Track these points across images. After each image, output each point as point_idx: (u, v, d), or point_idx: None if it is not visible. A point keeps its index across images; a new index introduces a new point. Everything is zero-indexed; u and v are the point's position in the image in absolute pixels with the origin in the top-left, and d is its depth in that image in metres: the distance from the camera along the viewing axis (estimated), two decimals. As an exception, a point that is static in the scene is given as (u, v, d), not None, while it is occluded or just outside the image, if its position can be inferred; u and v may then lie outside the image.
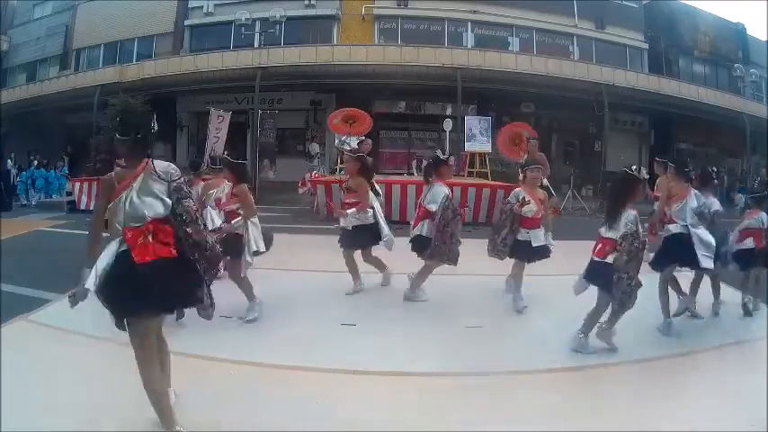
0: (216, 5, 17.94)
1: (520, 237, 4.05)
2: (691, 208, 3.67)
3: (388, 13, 17.65)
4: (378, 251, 4.70)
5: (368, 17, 17.51)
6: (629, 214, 3.10)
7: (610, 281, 3.05)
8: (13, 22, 21.21)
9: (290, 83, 15.87)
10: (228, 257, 3.52)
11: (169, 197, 2.23)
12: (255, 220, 3.69)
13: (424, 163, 5.22)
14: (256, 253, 3.66)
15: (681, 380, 2.96)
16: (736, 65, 18.96)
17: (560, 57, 16.77)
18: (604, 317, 3.24)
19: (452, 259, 4.06)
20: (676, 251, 3.59)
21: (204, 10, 18.06)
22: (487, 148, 13.78)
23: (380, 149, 17.11)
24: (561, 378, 2.91)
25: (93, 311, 3.74)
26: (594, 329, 3.26)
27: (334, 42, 16.80)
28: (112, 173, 2.26)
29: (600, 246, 3.24)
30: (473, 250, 5.16)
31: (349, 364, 2.95)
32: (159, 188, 2.22)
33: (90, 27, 19.17)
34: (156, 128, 2.38)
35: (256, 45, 16.54)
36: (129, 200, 2.16)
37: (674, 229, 3.71)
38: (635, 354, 3.21)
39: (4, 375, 2.52)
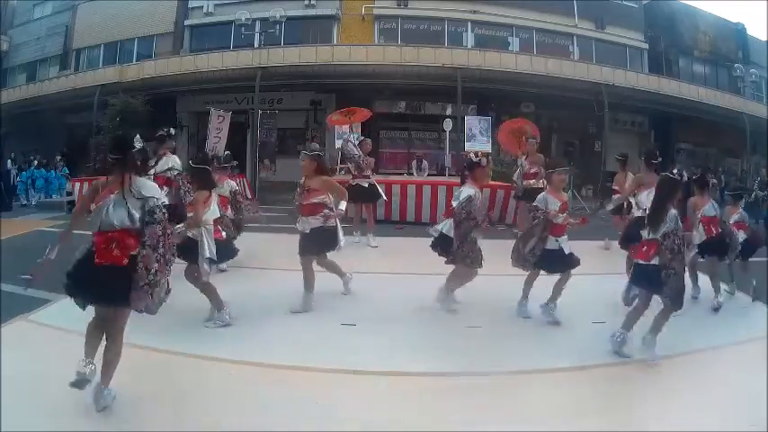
0: (216, 5, 17.93)
1: (549, 246, 3.81)
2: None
3: (388, 13, 17.63)
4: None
5: (368, 17, 17.50)
6: (671, 214, 3.15)
7: (659, 281, 3.06)
8: (13, 22, 21.20)
9: (290, 83, 15.86)
10: (187, 263, 3.56)
11: (142, 213, 2.45)
12: (210, 227, 3.63)
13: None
14: (211, 261, 3.57)
15: (681, 380, 2.96)
16: (736, 65, 18.96)
17: (560, 57, 16.76)
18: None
19: (474, 262, 3.87)
20: (635, 234, 3.67)
21: (204, 10, 18.05)
22: (487, 148, 13.76)
23: (380, 149, 17.10)
24: (561, 378, 2.91)
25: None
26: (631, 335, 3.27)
27: (334, 42, 16.79)
28: (103, 179, 2.53)
29: (645, 248, 3.24)
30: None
31: (349, 364, 2.95)
32: (133, 204, 2.45)
33: (90, 27, 19.16)
34: (139, 146, 2.56)
35: (256, 45, 16.53)
36: (106, 209, 2.45)
37: (637, 214, 4.05)
38: (635, 354, 3.21)
39: (4, 375, 2.52)
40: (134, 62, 17.47)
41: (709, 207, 4.57)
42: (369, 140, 7.21)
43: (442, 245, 4.05)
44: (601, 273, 5.42)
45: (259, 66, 15.04)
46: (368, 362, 2.99)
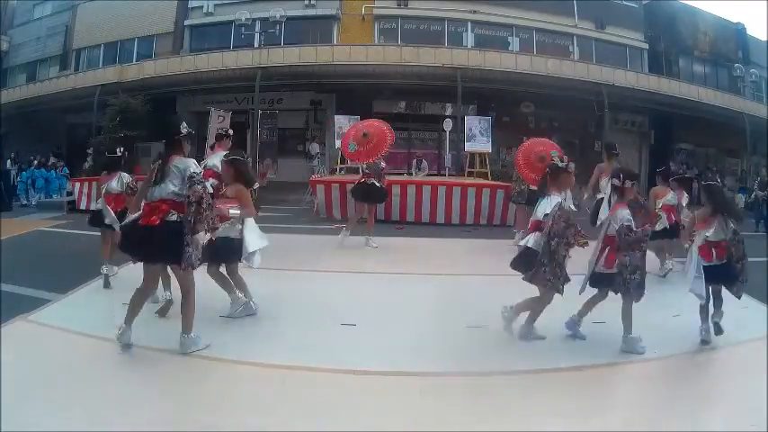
0: (216, 5, 17.94)
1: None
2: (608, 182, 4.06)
3: (388, 13, 17.65)
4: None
5: (368, 17, 17.51)
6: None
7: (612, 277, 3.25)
8: (13, 22, 21.21)
9: (290, 83, 15.88)
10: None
11: (182, 183, 2.99)
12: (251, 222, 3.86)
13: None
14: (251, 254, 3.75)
15: (681, 380, 2.96)
16: (736, 65, 18.98)
17: (560, 57, 16.78)
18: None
19: (555, 285, 3.26)
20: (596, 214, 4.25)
21: (204, 10, 18.06)
22: (488, 148, 13.79)
23: (380, 149, 17.11)
24: (562, 378, 2.91)
25: (93, 312, 3.76)
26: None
27: (334, 42, 16.80)
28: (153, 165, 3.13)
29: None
30: (473, 250, 5.18)
31: (349, 364, 2.94)
32: (174, 178, 3.00)
33: (90, 27, 19.17)
34: (185, 132, 3.18)
35: (256, 45, 16.55)
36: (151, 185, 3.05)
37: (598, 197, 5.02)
38: (635, 354, 3.20)
39: (4, 375, 2.52)
40: (134, 62, 17.49)
41: (671, 196, 5.18)
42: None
43: (526, 261, 3.42)
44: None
45: (259, 66, 15.06)
46: (368, 362, 2.99)
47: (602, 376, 2.97)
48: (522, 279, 3.41)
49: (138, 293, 3.10)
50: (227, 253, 3.70)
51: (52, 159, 15.73)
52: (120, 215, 4.20)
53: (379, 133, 6.27)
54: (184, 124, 3.18)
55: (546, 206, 3.41)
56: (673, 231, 5.02)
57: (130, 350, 2.99)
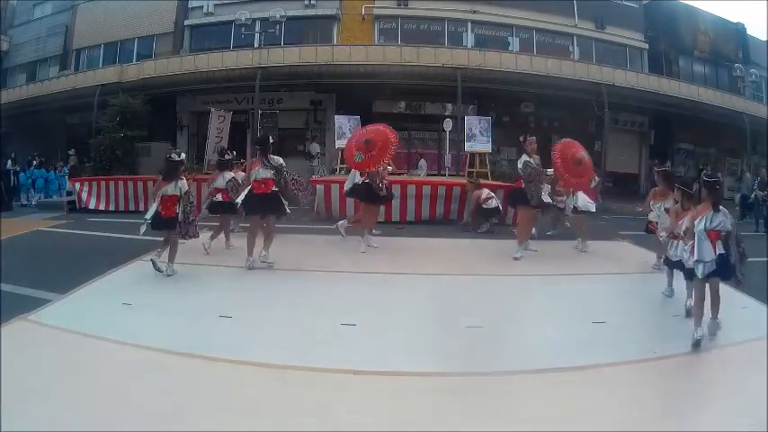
0: (216, 5, 17.93)
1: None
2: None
3: (388, 13, 17.64)
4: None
5: (368, 17, 17.50)
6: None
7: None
8: (13, 22, 21.21)
9: (290, 83, 15.87)
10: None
11: (274, 171, 5.22)
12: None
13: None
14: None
15: (681, 380, 2.96)
16: (736, 65, 18.96)
17: (560, 57, 16.76)
18: None
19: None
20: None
21: (204, 10, 18.05)
22: (488, 147, 13.77)
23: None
24: (561, 378, 2.91)
25: (93, 312, 3.76)
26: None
27: (334, 42, 16.79)
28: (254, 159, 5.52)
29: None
30: (473, 250, 5.17)
31: (349, 364, 2.94)
32: (268, 167, 5.21)
33: (90, 27, 19.16)
34: (273, 140, 5.80)
35: (256, 45, 16.53)
36: (257, 171, 5.22)
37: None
38: (635, 354, 3.21)
39: (4, 375, 2.52)
40: (134, 62, 17.47)
41: (671, 203, 5.74)
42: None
43: (512, 198, 5.02)
44: (601, 273, 5.44)
45: (259, 66, 15.05)
46: (368, 362, 2.99)
47: (602, 376, 2.97)
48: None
49: (250, 233, 5.25)
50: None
51: (35, 159, 15.66)
52: (219, 205, 6.11)
53: (381, 138, 6.22)
54: (271, 137, 5.81)
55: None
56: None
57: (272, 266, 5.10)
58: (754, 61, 19.71)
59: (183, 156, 5.35)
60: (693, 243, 3.48)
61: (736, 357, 3.26)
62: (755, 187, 11.76)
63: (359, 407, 2.52)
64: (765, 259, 6.35)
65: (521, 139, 6.36)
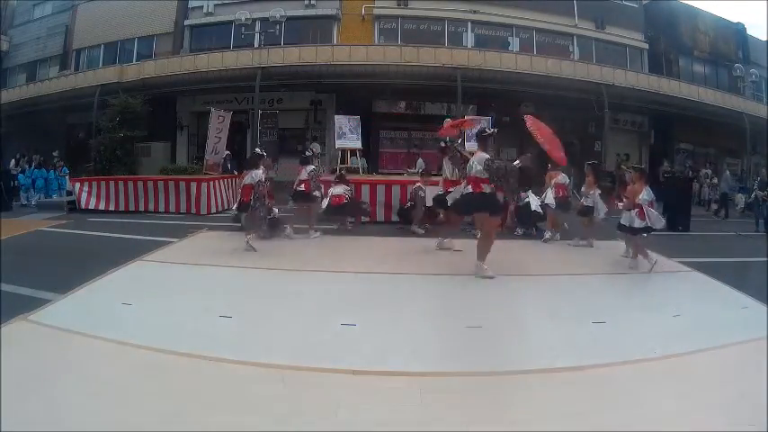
0: (216, 5, 17.94)
1: None
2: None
3: (388, 13, 17.64)
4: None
5: (368, 17, 17.51)
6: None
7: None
8: (13, 22, 21.22)
9: (290, 83, 15.87)
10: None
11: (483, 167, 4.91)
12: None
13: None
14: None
15: (681, 380, 2.96)
16: (736, 65, 18.98)
17: (560, 57, 16.78)
18: None
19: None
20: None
21: (204, 10, 18.06)
22: (487, 148, 13.76)
23: (380, 149, 17.12)
24: (561, 378, 2.90)
25: (93, 312, 3.76)
26: None
27: (334, 42, 16.79)
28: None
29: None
30: (473, 250, 5.16)
31: (349, 364, 2.94)
32: (477, 165, 4.94)
33: (90, 27, 19.17)
34: (490, 131, 5.29)
35: (256, 45, 16.55)
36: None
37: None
38: (635, 354, 3.21)
39: (4, 375, 2.52)
40: (134, 62, 17.49)
41: (561, 177, 7.41)
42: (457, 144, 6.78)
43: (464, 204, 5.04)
44: (601, 273, 5.44)
45: (259, 66, 15.06)
46: (368, 362, 2.99)
47: (602, 376, 2.96)
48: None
49: (484, 239, 4.98)
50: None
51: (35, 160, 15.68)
52: (301, 195, 7.03)
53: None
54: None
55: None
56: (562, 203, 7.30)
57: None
58: (754, 61, 19.72)
59: (261, 151, 6.62)
60: (641, 211, 5.42)
61: (736, 357, 3.26)
62: (755, 187, 11.76)
63: (359, 407, 2.52)
64: (765, 259, 6.35)
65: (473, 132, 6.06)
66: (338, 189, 7.63)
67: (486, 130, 5.26)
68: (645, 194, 5.44)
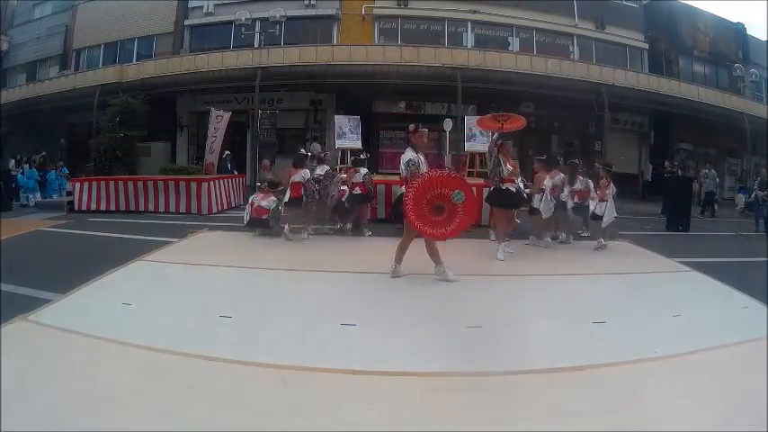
0: (216, 5, 17.95)
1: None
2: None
3: (388, 13, 17.65)
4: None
5: (368, 17, 17.52)
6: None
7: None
8: (13, 22, 21.23)
9: (290, 83, 15.88)
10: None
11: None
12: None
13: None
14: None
15: (681, 380, 2.96)
16: (736, 65, 18.98)
17: (560, 57, 16.79)
18: None
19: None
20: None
21: (204, 10, 18.08)
22: (487, 147, 13.76)
23: (380, 149, 17.12)
24: (561, 378, 2.90)
25: (93, 312, 3.76)
26: None
27: (334, 42, 16.81)
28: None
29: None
30: (473, 250, 5.18)
31: (349, 364, 2.94)
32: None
33: (90, 27, 19.18)
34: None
35: (256, 45, 16.55)
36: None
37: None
38: (635, 354, 3.21)
39: (4, 375, 2.52)
40: (134, 62, 17.50)
41: (558, 178, 7.03)
42: (509, 143, 6.37)
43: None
44: (600, 273, 5.43)
45: (259, 66, 15.07)
46: (368, 362, 2.98)
47: (602, 376, 2.96)
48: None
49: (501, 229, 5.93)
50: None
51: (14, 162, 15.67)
52: (358, 197, 7.37)
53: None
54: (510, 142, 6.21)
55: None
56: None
57: None
58: (754, 61, 19.73)
59: (306, 151, 7.55)
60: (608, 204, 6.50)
61: (736, 357, 3.26)
62: (755, 187, 11.77)
63: (359, 407, 2.52)
64: (765, 259, 6.36)
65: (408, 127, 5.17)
66: (357, 177, 7.59)
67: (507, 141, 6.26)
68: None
